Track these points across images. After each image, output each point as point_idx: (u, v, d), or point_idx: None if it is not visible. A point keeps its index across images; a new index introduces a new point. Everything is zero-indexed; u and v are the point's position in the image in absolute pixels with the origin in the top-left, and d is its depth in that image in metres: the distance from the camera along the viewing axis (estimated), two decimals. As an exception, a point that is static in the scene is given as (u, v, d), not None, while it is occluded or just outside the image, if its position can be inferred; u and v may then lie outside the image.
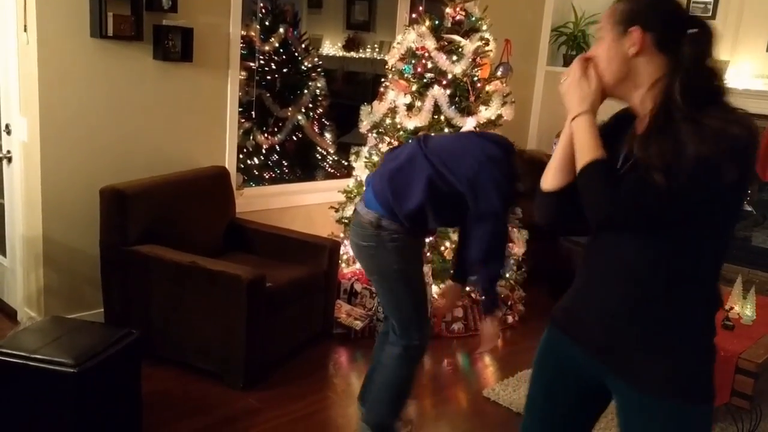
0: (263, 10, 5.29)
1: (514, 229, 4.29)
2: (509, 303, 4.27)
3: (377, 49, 7.30)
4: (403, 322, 2.57)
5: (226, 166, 3.97)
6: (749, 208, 5.18)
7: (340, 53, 7.65)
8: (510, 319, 4.25)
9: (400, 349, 2.62)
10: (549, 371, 1.76)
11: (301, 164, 5.69)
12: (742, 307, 3.41)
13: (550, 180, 1.62)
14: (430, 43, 3.97)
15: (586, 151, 1.51)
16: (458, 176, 2.45)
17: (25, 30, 3.21)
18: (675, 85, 1.45)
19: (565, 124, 1.58)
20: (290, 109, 5.54)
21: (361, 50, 7.55)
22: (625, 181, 1.46)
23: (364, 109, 4.24)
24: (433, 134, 2.94)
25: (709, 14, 5.29)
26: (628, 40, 1.51)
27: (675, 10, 1.55)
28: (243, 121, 4.91)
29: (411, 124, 3.98)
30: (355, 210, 2.61)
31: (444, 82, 3.98)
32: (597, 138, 1.51)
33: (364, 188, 2.55)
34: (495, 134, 2.83)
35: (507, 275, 4.29)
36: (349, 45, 7.62)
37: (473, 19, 4.09)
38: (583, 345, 1.63)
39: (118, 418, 2.63)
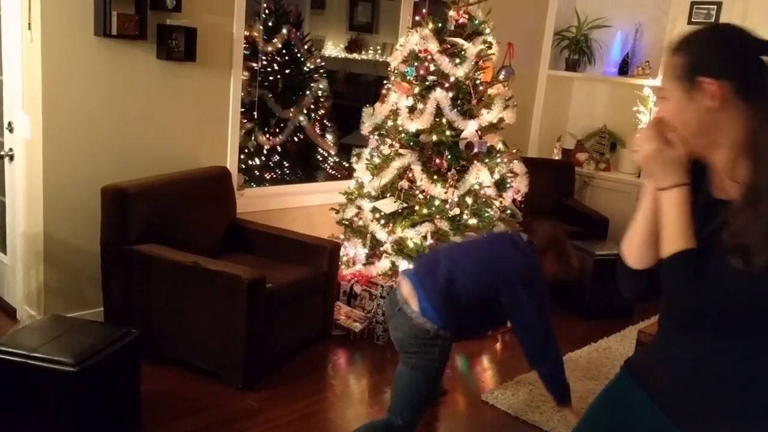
0: (266, 11, 5.30)
1: (515, 233, 4.28)
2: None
3: (380, 51, 7.31)
4: (404, 401, 2.54)
5: (228, 167, 3.97)
6: None
7: (343, 54, 7.66)
8: (509, 323, 4.23)
9: (384, 421, 2.60)
10: (608, 410, 1.63)
11: (303, 165, 5.70)
12: None
13: (637, 258, 1.44)
14: (433, 46, 3.97)
15: (677, 235, 1.32)
16: (500, 292, 2.49)
17: (29, 28, 3.21)
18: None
19: (645, 191, 1.41)
20: (292, 109, 5.55)
21: (363, 52, 7.56)
22: (709, 267, 1.29)
23: (366, 111, 4.24)
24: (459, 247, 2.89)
25: (712, 19, 5.29)
26: (702, 94, 1.31)
27: (747, 45, 1.32)
28: (245, 121, 4.92)
29: (413, 126, 3.98)
30: (398, 307, 2.54)
31: (446, 85, 3.98)
32: (689, 219, 1.32)
33: (409, 288, 2.50)
34: (519, 239, 2.73)
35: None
36: (352, 46, 7.63)
37: (476, 22, 4.10)
38: (653, 395, 1.50)
39: (118, 417, 2.64)
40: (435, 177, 4.00)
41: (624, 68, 5.80)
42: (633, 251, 1.46)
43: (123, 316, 3.27)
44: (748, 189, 1.27)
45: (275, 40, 5.37)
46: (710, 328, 1.35)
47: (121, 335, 2.62)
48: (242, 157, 4.82)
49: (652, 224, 1.40)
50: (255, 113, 5.07)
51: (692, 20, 5.38)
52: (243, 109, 4.27)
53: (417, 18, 4.20)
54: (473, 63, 4.01)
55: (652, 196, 1.39)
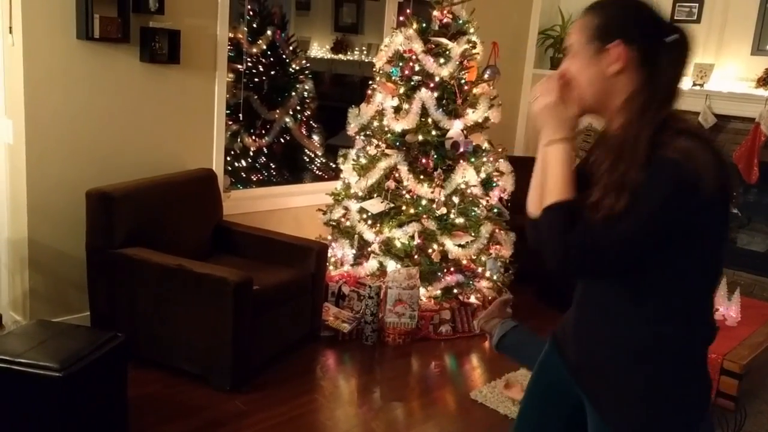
0: (251, 12, 5.29)
1: (502, 232, 4.30)
2: (497, 305, 4.28)
3: (365, 52, 7.31)
4: None
5: (214, 169, 3.96)
6: (734, 210, 5.23)
7: (328, 55, 7.65)
8: (497, 321, 4.25)
9: None
10: (542, 385, 1.72)
11: (289, 166, 5.69)
12: (726, 308, 3.44)
13: (534, 208, 1.49)
14: (418, 46, 3.98)
15: (557, 187, 1.38)
16: None
17: (11, 32, 3.19)
18: (648, 102, 1.35)
19: (540, 144, 1.47)
20: (278, 111, 5.54)
21: (349, 53, 7.55)
22: (578, 222, 1.34)
23: (352, 112, 4.24)
24: None
25: (694, 18, 5.34)
26: (607, 57, 1.38)
27: (654, 17, 1.40)
28: (230, 123, 4.90)
29: (398, 126, 3.99)
30: None
31: (431, 85, 3.99)
32: (569, 173, 1.39)
33: None
34: None
35: (495, 277, 4.30)
36: (337, 47, 7.62)
37: (460, 22, 4.11)
38: (565, 362, 1.61)
39: (104, 422, 2.62)
40: (421, 177, 4.00)
41: (608, 66, 5.83)
42: (533, 202, 1.50)
43: (109, 321, 3.25)
44: (614, 143, 1.36)
45: (260, 42, 5.35)
46: (583, 279, 1.49)
47: (107, 339, 2.61)
48: (228, 159, 4.80)
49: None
50: (240, 115, 5.05)
51: (674, 18, 5.42)
52: (228, 111, 4.26)
53: (401, 18, 4.20)
54: (458, 63, 4.02)
55: (542, 152, 1.46)
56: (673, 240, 1.31)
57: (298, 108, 5.65)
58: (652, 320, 1.39)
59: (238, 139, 5.26)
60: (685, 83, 5.30)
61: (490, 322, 2.87)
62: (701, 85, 5.20)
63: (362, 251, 4.13)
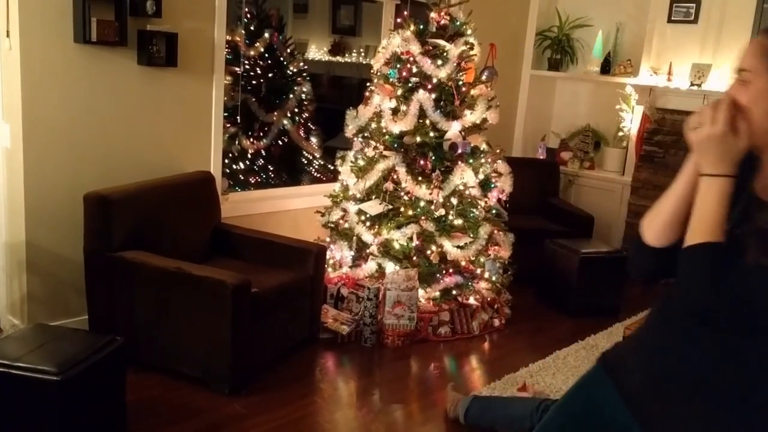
0: (248, 15, 5.29)
1: (500, 233, 4.30)
2: (495, 306, 4.28)
3: (363, 54, 7.31)
4: None
5: (212, 171, 3.95)
6: None
7: (326, 58, 7.65)
8: (497, 322, 4.26)
9: None
10: (579, 406, 1.61)
11: (287, 169, 5.69)
12: None
13: (656, 235, 1.37)
14: (415, 48, 3.98)
15: (708, 226, 1.24)
16: None
17: (8, 35, 3.19)
18: None
19: (684, 170, 1.34)
20: (276, 113, 5.54)
21: (347, 55, 7.55)
22: (736, 270, 1.21)
23: (350, 114, 4.24)
24: None
25: (692, 18, 5.35)
26: None
27: None
28: (228, 125, 4.90)
29: (396, 128, 3.98)
30: None
31: (429, 87, 3.99)
32: (724, 214, 1.24)
33: None
34: None
35: (493, 278, 4.30)
36: (335, 49, 7.62)
37: (458, 23, 4.11)
38: (620, 389, 1.47)
39: (102, 426, 2.61)
40: (420, 178, 4.00)
41: (606, 67, 5.84)
42: (654, 227, 1.38)
43: (108, 324, 3.25)
44: None
45: (257, 45, 5.36)
46: (712, 327, 1.28)
47: (106, 343, 2.60)
48: (226, 161, 4.80)
49: (683, 205, 1.33)
50: (238, 117, 5.05)
51: (672, 18, 5.43)
52: (226, 114, 4.25)
53: (399, 20, 4.20)
54: (455, 64, 4.02)
55: (692, 177, 1.31)
56: None
57: (296, 110, 5.66)
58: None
59: (236, 142, 5.26)
60: (682, 83, 5.32)
61: (455, 407, 3.02)
62: (699, 86, 5.20)
63: (361, 253, 4.13)
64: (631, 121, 5.73)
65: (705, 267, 1.22)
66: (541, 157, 6.07)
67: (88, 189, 3.26)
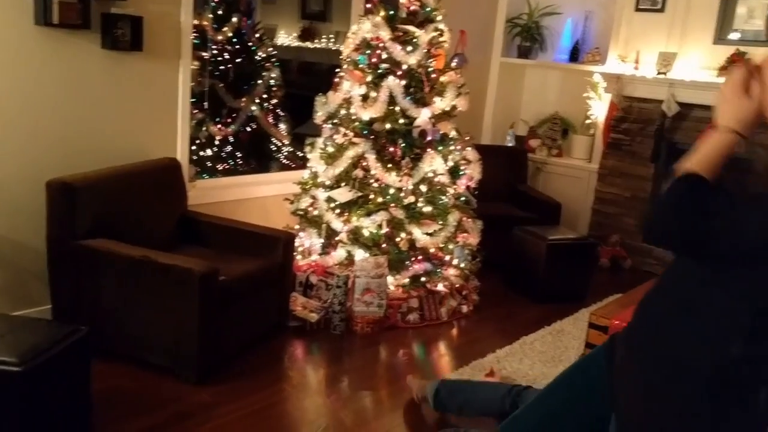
0: (216, -1, 5.21)
1: (469, 220, 4.32)
2: (463, 293, 4.30)
3: (333, 40, 7.26)
4: None
5: (178, 158, 3.90)
6: None
7: (296, 43, 7.58)
8: (464, 308, 4.29)
9: None
10: (578, 376, 1.66)
11: (256, 155, 5.64)
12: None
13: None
14: (385, 34, 3.96)
15: (703, 162, 1.32)
16: None
17: (-35, 17, 3.10)
18: None
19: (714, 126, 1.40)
20: (244, 99, 5.47)
21: (316, 40, 7.49)
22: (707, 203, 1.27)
23: (319, 100, 4.21)
24: None
25: (659, 7, 5.40)
26: None
27: None
28: (196, 111, 4.83)
29: (366, 114, 3.97)
30: None
31: (399, 73, 3.97)
32: (719, 162, 1.32)
33: None
34: None
35: (462, 265, 4.32)
36: (305, 35, 7.56)
37: (428, 9, 4.09)
38: (610, 367, 1.53)
39: (67, 417, 2.57)
40: (389, 165, 3.99)
41: (575, 55, 5.88)
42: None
43: (72, 313, 3.19)
44: None
45: (225, 29, 5.28)
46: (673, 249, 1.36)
47: (70, 332, 2.55)
48: (194, 148, 4.73)
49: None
50: (206, 103, 4.99)
51: (639, 7, 5.48)
52: (193, 99, 4.20)
53: (368, 6, 4.17)
54: (425, 50, 4.01)
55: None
56: None
57: (265, 96, 5.60)
58: (722, 338, 1.30)
59: (204, 128, 5.19)
60: (649, 72, 5.38)
61: (422, 390, 2.98)
62: (665, 74, 5.26)
63: (330, 240, 4.12)
64: (599, 109, 5.79)
65: (692, 191, 1.29)
66: (510, 145, 6.10)
67: (50, 176, 3.19)
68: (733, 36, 5.06)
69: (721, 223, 1.24)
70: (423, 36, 4.00)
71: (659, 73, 5.30)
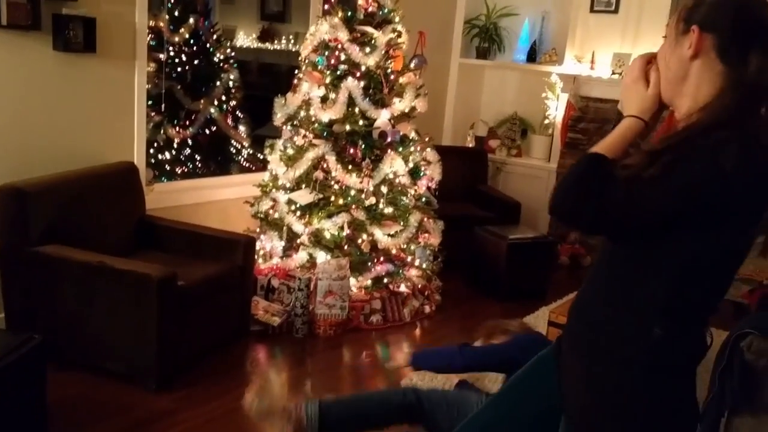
0: (172, 0, 5.13)
1: (430, 220, 4.34)
2: (426, 293, 4.32)
3: (292, 41, 7.22)
4: None
5: (135, 162, 3.83)
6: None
7: (255, 44, 7.52)
8: (427, 309, 4.30)
9: None
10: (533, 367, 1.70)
11: (215, 158, 5.57)
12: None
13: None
14: (343, 35, 3.95)
15: (610, 146, 1.36)
16: None
17: None
18: (721, 97, 1.28)
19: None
20: (202, 101, 5.41)
21: (276, 42, 7.44)
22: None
23: (278, 101, 4.19)
24: None
25: (612, 8, 5.50)
26: (687, 39, 1.33)
27: (747, 10, 1.31)
28: (153, 114, 4.76)
29: (326, 116, 3.95)
30: None
31: (358, 74, 3.97)
32: (625, 145, 1.37)
33: None
34: None
35: (424, 265, 4.34)
36: (264, 36, 7.50)
37: (386, 10, 4.10)
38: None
39: (22, 428, 2.51)
40: (350, 167, 3.99)
41: (532, 56, 5.95)
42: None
43: (26, 322, 3.11)
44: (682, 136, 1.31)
45: (182, 30, 5.21)
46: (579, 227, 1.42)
47: (23, 341, 2.49)
48: (151, 151, 4.66)
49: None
50: (163, 106, 4.91)
51: (594, 8, 5.57)
52: (150, 102, 4.13)
53: (327, 6, 4.16)
54: (383, 52, 4.02)
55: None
56: (687, 225, 1.28)
57: (224, 98, 5.54)
58: (641, 311, 1.35)
59: (161, 131, 5.11)
60: (605, 72, 5.47)
61: (295, 419, 2.43)
62: (620, 74, 5.36)
63: (291, 243, 4.09)
64: (557, 109, 5.87)
65: (597, 169, 1.32)
66: (470, 145, 6.14)
67: (2, 181, 3.11)
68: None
69: (621, 194, 1.28)
70: (381, 37, 4.00)
71: (614, 74, 5.40)
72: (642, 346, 1.33)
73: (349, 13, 4.02)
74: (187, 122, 5.34)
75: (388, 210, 4.06)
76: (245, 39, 7.53)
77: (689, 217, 1.26)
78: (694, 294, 1.33)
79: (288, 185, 4.06)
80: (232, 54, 5.74)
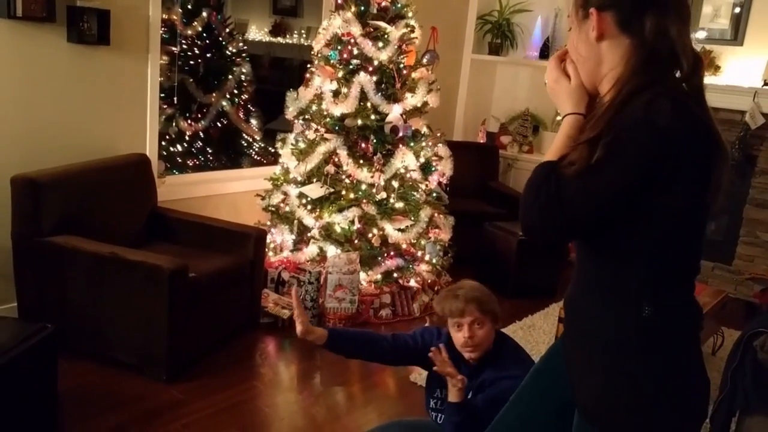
0: (185, -7, 5.14)
1: (441, 216, 4.33)
2: (435, 288, 4.32)
3: (304, 35, 7.22)
4: None
5: (147, 154, 3.85)
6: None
7: (267, 38, 7.53)
8: (437, 304, 4.30)
9: None
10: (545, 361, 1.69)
11: (226, 151, 5.59)
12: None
13: None
14: (356, 29, 3.95)
15: (555, 150, 1.37)
16: None
17: (-75, 9, 3.02)
18: (633, 68, 1.30)
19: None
20: (214, 94, 5.42)
21: (288, 36, 7.45)
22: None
23: (290, 95, 4.19)
24: None
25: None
26: (589, 24, 1.36)
27: None
28: (165, 106, 4.78)
29: (337, 110, 3.96)
30: None
31: (370, 69, 3.97)
32: (571, 143, 1.36)
33: None
34: None
35: (434, 261, 4.34)
36: (276, 30, 7.51)
37: (399, 5, 4.09)
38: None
39: (34, 416, 2.53)
40: (361, 161, 3.99)
41: (545, 52, 5.92)
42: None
43: (38, 311, 3.14)
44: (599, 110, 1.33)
45: (195, 24, 5.22)
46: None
47: (35, 331, 2.51)
48: (163, 143, 4.68)
49: None
50: (175, 98, 4.92)
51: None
52: (162, 95, 4.14)
53: (340, 1, 4.16)
54: (396, 47, 4.01)
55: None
56: (647, 196, 1.27)
57: (236, 92, 5.55)
58: (630, 300, 1.34)
59: (173, 124, 5.12)
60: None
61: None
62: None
63: (302, 237, 4.10)
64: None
65: (539, 181, 1.32)
66: (481, 141, 6.13)
67: (15, 171, 3.13)
68: (699, 35, 5.14)
69: (580, 191, 1.27)
70: (394, 32, 4.00)
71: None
72: (636, 326, 1.33)
73: (362, 8, 4.02)
74: (199, 115, 5.35)
75: (399, 205, 4.06)
76: (257, 33, 7.54)
77: (647, 184, 1.25)
78: (672, 263, 1.33)
79: (299, 179, 4.07)
80: (245, 48, 5.75)
